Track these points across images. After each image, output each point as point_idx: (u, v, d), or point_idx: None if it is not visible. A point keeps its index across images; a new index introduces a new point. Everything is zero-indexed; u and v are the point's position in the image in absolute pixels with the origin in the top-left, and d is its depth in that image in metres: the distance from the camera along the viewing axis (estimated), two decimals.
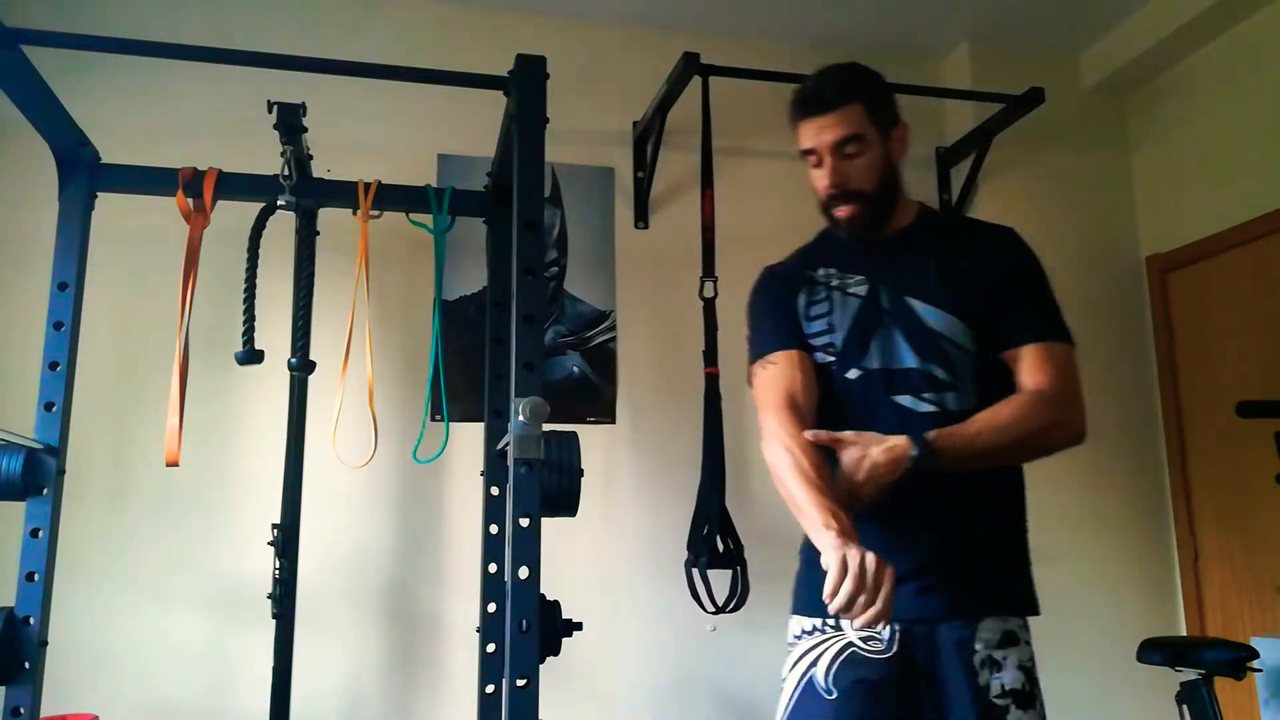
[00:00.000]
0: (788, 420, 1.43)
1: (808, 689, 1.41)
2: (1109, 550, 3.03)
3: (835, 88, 1.47)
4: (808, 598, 1.48)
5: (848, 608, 1.17)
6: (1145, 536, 3.08)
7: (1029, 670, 1.40)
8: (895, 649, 1.38)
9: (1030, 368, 1.44)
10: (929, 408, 1.43)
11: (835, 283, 1.54)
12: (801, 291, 1.56)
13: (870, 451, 1.34)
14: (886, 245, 1.53)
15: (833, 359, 1.50)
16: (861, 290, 1.52)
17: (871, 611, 1.17)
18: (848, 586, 1.17)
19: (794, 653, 1.46)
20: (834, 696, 1.38)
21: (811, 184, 1.53)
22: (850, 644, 1.40)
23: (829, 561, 1.20)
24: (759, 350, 1.56)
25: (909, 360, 1.45)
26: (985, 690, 1.34)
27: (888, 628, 1.37)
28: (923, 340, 1.45)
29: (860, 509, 1.34)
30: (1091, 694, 2.87)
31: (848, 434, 1.37)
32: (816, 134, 1.46)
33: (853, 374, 1.48)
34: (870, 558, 1.18)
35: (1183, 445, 3.09)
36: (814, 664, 1.41)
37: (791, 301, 1.56)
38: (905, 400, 1.44)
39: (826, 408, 1.50)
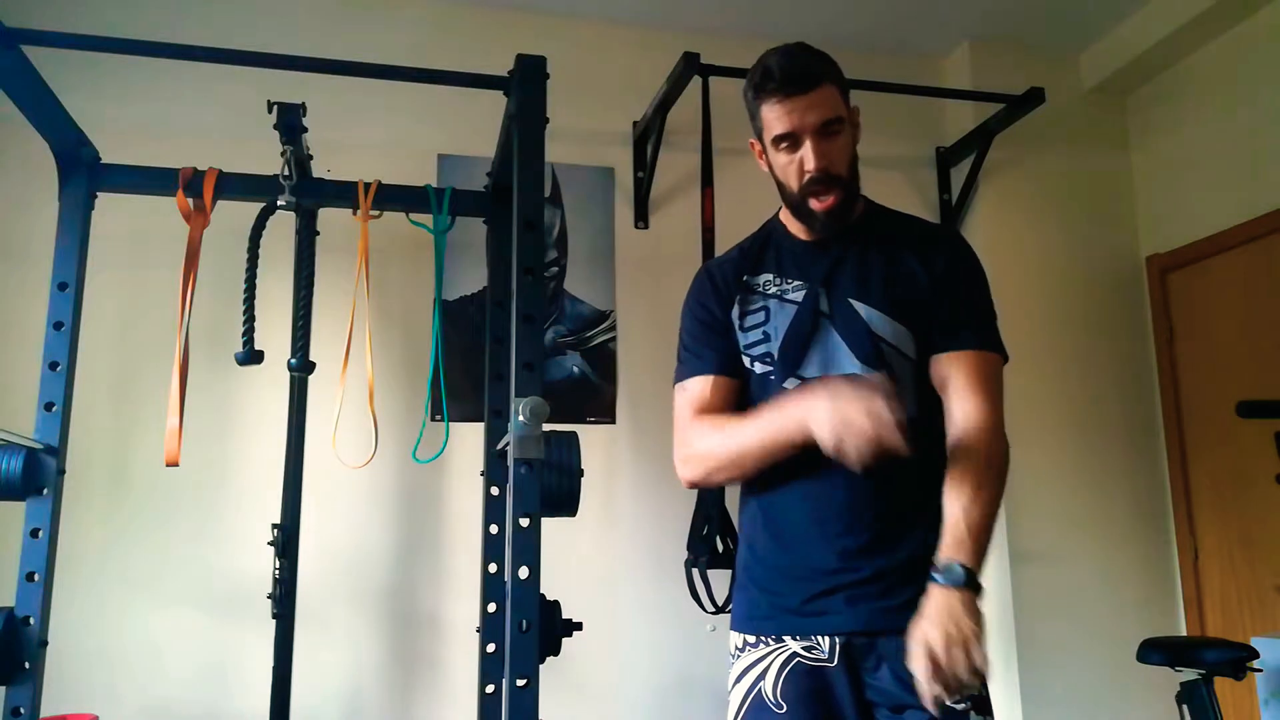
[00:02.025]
0: (706, 418, 1.45)
1: (756, 702, 1.38)
2: (1109, 550, 3.02)
3: (813, 66, 1.38)
4: (745, 616, 1.45)
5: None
6: (1145, 536, 3.08)
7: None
8: (837, 660, 1.34)
9: (965, 382, 1.38)
10: None
11: (773, 290, 1.48)
12: (736, 300, 1.50)
13: (957, 631, 1.19)
14: (831, 244, 1.47)
15: (770, 369, 1.44)
16: (799, 296, 1.45)
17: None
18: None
19: (737, 666, 1.43)
20: (783, 710, 1.35)
21: (778, 174, 1.43)
22: (795, 654, 1.37)
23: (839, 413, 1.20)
24: (681, 372, 1.53)
25: (849, 366, 1.39)
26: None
27: (826, 639, 1.35)
28: (864, 345, 1.39)
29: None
30: (1091, 694, 2.87)
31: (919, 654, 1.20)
32: (800, 115, 1.36)
33: (790, 384, 1.41)
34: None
35: (1183, 445, 3.09)
36: (761, 677, 1.38)
37: (725, 311, 1.50)
38: None
39: None
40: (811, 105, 1.36)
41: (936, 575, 1.25)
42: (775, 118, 1.38)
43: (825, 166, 1.38)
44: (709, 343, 1.51)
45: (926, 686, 1.16)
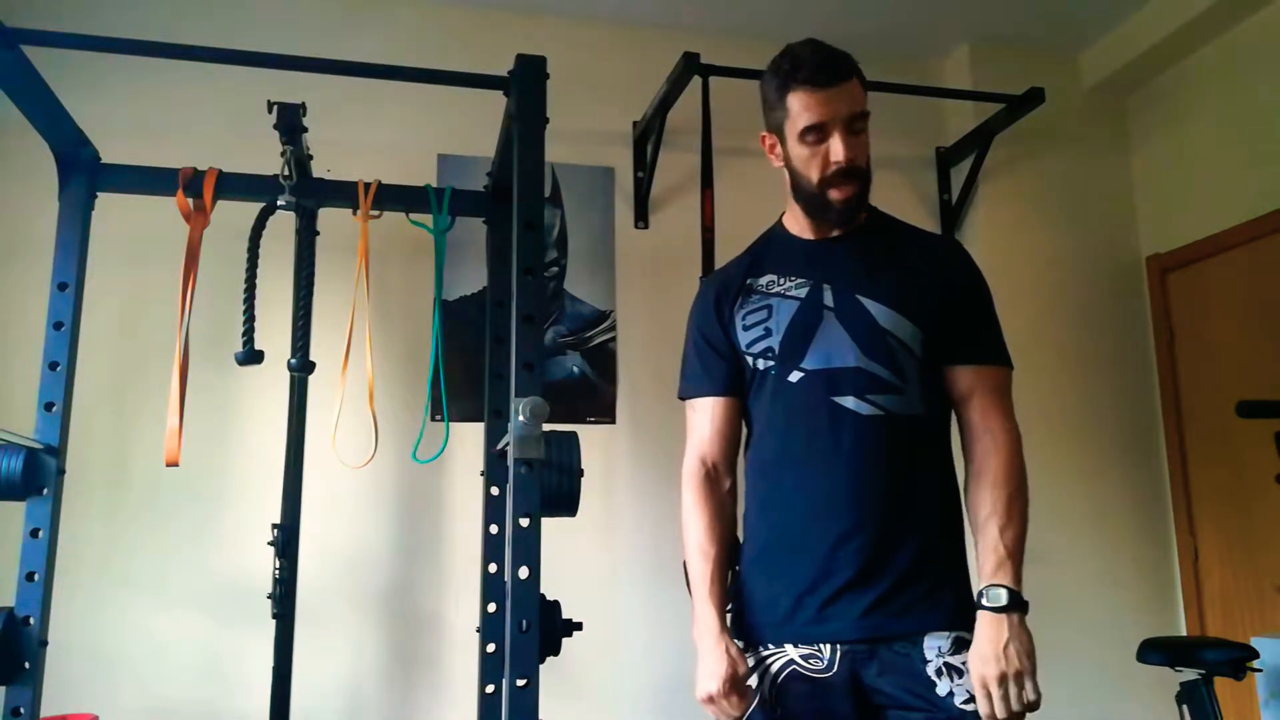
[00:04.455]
0: (696, 487, 1.51)
1: (757, 709, 1.38)
2: (1109, 550, 3.02)
3: (842, 60, 1.40)
4: (746, 623, 1.46)
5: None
6: (1145, 536, 3.08)
7: None
8: (837, 668, 1.34)
9: (989, 399, 1.43)
10: (873, 411, 1.38)
11: (776, 289, 1.48)
12: (738, 302, 1.51)
13: (1005, 671, 1.26)
14: (835, 243, 1.49)
15: (773, 364, 1.45)
16: (802, 292, 1.46)
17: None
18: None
19: None
20: (778, 714, 1.36)
21: (798, 165, 1.43)
22: (791, 661, 1.37)
23: (701, 669, 1.38)
24: (684, 389, 1.58)
25: (852, 359, 1.40)
26: (949, 698, 1.30)
27: (828, 646, 1.35)
28: (869, 338, 1.40)
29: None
30: (1091, 694, 2.87)
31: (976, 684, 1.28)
32: (831, 106, 1.37)
33: (794, 377, 1.43)
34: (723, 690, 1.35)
35: (1183, 445, 3.09)
36: (759, 682, 1.39)
37: (725, 318, 1.52)
38: (848, 402, 1.39)
39: (768, 415, 1.47)
40: (841, 97, 1.38)
41: (984, 602, 1.30)
42: (804, 108, 1.39)
43: (853, 158, 1.40)
44: (711, 362, 1.54)
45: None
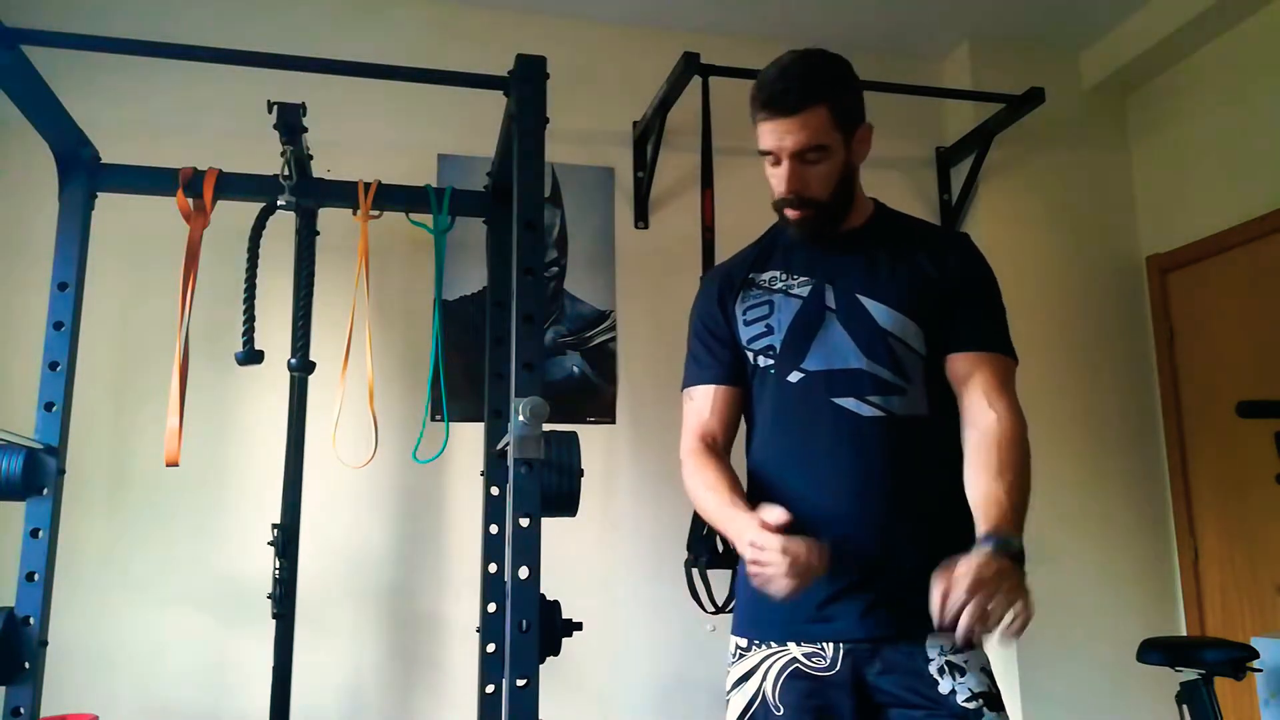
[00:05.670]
0: (696, 454, 1.48)
1: (760, 707, 1.37)
2: (1109, 550, 3.02)
3: (802, 89, 1.35)
4: (749, 621, 1.45)
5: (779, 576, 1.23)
6: (1145, 536, 3.08)
7: (991, 674, 1.35)
8: (839, 666, 1.34)
9: (988, 382, 1.39)
10: (873, 412, 1.38)
11: (779, 285, 1.49)
12: (740, 295, 1.52)
13: (991, 572, 1.15)
14: (839, 243, 1.48)
15: (772, 362, 1.46)
16: (805, 291, 1.46)
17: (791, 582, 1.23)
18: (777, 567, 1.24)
19: (737, 669, 1.42)
20: (781, 713, 1.35)
21: (767, 179, 1.46)
22: (794, 659, 1.37)
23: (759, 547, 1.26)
24: (685, 379, 1.57)
25: (854, 360, 1.40)
26: (951, 696, 1.30)
27: (830, 645, 1.35)
28: (870, 339, 1.40)
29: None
30: (1091, 694, 2.87)
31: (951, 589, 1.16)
32: (778, 138, 1.37)
33: (794, 377, 1.43)
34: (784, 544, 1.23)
35: (1183, 445, 3.08)
36: (762, 680, 1.38)
37: (729, 310, 1.52)
38: (848, 403, 1.39)
39: (768, 414, 1.47)
40: (791, 130, 1.36)
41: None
42: (761, 133, 1.41)
43: (797, 190, 1.41)
44: (713, 351, 1.54)
45: (938, 608, 1.14)
